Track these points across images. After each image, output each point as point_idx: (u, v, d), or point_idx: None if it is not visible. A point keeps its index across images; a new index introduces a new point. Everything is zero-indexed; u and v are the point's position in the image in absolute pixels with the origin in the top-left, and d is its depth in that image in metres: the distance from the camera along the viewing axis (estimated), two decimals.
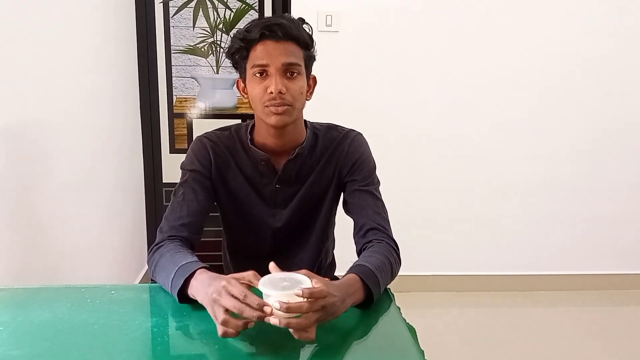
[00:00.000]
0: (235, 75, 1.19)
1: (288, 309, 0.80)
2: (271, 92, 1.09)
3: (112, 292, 1.04)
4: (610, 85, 2.58)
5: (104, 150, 2.06)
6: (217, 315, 0.84)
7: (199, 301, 0.93)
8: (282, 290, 0.83)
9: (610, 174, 2.69)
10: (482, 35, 2.49)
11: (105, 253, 2.10)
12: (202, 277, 0.95)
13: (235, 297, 0.83)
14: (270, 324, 0.82)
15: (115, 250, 2.25)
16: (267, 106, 1.11)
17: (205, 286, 0.91)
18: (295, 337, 0.83)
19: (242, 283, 0.86)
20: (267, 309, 0.81)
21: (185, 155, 1.25)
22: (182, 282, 0.96)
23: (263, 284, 0.86)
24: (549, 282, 2.77)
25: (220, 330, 0.84)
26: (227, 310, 0.83)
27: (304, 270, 0.90)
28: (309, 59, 1.16)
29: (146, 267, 2.58)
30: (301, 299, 0.82)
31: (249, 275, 0.89)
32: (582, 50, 2.53)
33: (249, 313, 0.82)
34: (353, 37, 2.45)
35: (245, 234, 1.29)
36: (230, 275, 0.90)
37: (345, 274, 1.00)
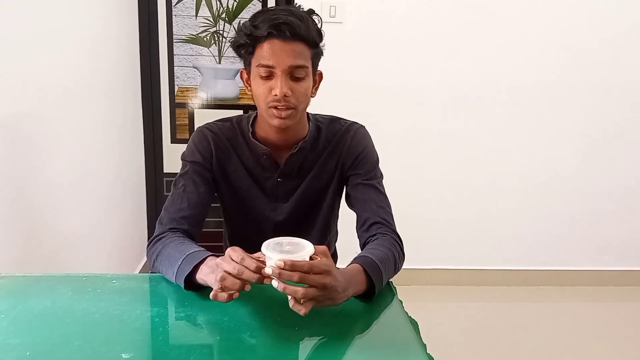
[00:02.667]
0: (238, 65, 1.17)
1: (280, 274, 0.81)
2: (276, 95, 1.07)
3: (114, 281, 1.04)
4: (609, 83, 2.57)
5: (104, 139, 2.05)
6: (217, 276, 0.86)
7: (210, 283, 0.92)
8: (284, 254, 0.84)
9: (609, 171, 2.68)
10: (487, 29, 2.47)
11: (105, 243, 2.09)
12: (212, 262, 0.95)
13: (235, 261, 0.85)
14: (271, 319, 0.82)
15: (116, 240, 2.25)
16: (270, 107, 1.09)
17: (216, 268, 0.91)
18: (290, 304, 0.85)
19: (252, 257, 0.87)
20: (265, 271, 0.83)
21: (186, 145, 1.24)
22: (190, 268, 0.96)
23: (266, 246, 0.87)
24: (549, 277, 2.77)
25: (212, 292, 0.86)
26: (227, 273, 0.85)
27: (322, 247, 0.90)
28: (316, 56, 1.13)
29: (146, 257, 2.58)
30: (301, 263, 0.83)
31: (259, 254, 0.90)
32: (583, 47, 2.51)
33: (248, 274, 0.83)
34: (357, 28, 2.44)
35: (247, 227, 1.28)
36: (232, 247, 0.90)
37: (349, 265, 1.00)
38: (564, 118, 2.60)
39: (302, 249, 0.86)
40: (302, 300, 0.84)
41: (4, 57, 1.29)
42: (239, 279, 0.84)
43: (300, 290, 0.82)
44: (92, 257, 1.92)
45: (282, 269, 0.81)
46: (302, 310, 0.83)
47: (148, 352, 0.85)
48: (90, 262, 1.89)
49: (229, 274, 0.85)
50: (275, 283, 0.83)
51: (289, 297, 0.85)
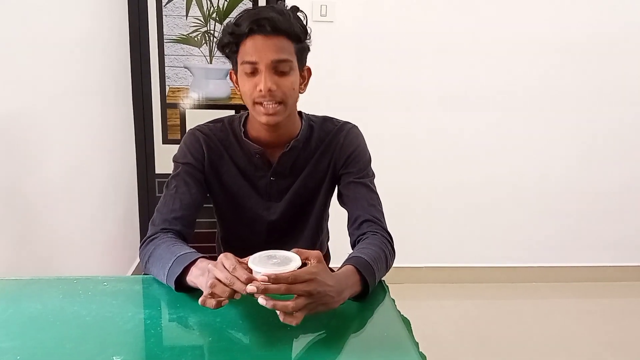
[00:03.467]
0: (229, 65, 1.17)
1: (265, 290, 0.80)
2: (260, 90, 1.07)
3: (105, 283, 1.04)
4: (607, 81, 2.58)
5: (96, 141, 2.04)
6: (207, 282, 0.85)
7: (199, 285, 0.92)
8: (270, 266, 0.83)
9: (604, 168, 2.70)
10: (479, 27, 2.48)
11: (97, 244, 2.08)
12: (203, 264, 0.95)
13: (226, 269, 0.84)
14: (263, 319, 0.82)
15: (108, 241, 2.24)
16: (257, 103, 1.09)
17: (206, 271, 0.91)
18: (280, 319, 0.84)
19: (240, 262, 0.86)
20: (248, 289, 0.81)
21: (177, 146, 1.24)
22: (181, 269, 0.96)
23: (252, 260, 0.86)
24: (542, 274, 2.79)
25: (202, 297, 0.85)
26: (218, 280, 0.84)
27: (316, 252, 0.89)
28: (302, 52, 1.13)
29: (139, 258, 2.57)
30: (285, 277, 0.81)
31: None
32: (578, 47, 2.52)
33: (238, 285, 0.82)
34: (348, 27, 2.44)
35: (240, 227, 1.28)
36: (225, 253, 0.89)
37: (342, 266, 1.00)
38: (561, 116, 2.61)
39: (288, 262, 0.86)
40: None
41: None
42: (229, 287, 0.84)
43: (290, 304, 0.82)
44: (85, 258, 1.91)
45: (266, 283, 0.81)
46: (293, 322, 0.83)
47: (140, 354, 0.84)
48: (83, 264, 1.88)
49: (220, 281, 0.84)
50: (263, 301, 0.82)
51: (278, 311, 0.84)
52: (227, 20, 2.49)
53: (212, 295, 0.85)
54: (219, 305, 0.85)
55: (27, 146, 1.46)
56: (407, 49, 2.48)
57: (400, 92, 2.53)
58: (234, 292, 0.83)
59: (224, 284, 0.83)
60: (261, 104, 1.09)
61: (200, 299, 0.85)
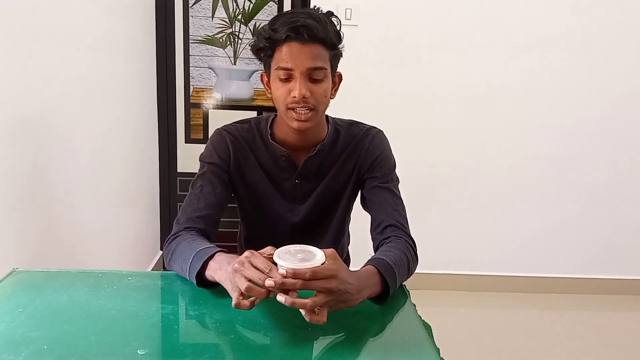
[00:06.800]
0: (253, 67, 1.18)
1: (283, 284, 0.80)
2: (294, 96, 1.07)
3: (129, 278, 1.05)
4: (631, 89, 2.54)
5: (120, 138, 2.08)
6: (239, 284, 0.84)
7: (217, 279, 0.93)
8: (297, 262, 0.84)
9: (628, 179, 2.65)
10: (503, 30, 2.46)
11: (119, 240, 2.12)
12: (220, 258, 0.96)
13: (259, 269, 0.83)
14: (284, 319, 0.83)
15: (129, 237, 2.27)
16: (289, 109, 1.10)
17: (225, 265, 0.91)
18: (307, 319, 0.83)
19: (265, 257, 0.86)
20: (267, 283, 0.81)
21: (201, 145, 1.25)
22: (200, 264, 0.97)
23: (278, 255, 0.86)
24: (562, 284, 2.74)
25: (235, 300, 0.85)
26: (249, 281, 0.83)
27: (329, 250, 0.89)
28: (335, 58, 1.13)
29: (159, 254, 2.60)
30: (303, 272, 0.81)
31: (267, 250, 0.89)
32: (602, 54, 2.49)
33: (271, 283, 0.81)
34: (372, 31, 2.44)
35: (263, 228, 1.29)
36: (250, 250, 0.89)
37: (363, 266, 1.00)
38: (584, 125, 2.57)
39: (312, 258, 0.86)
40: (315, 310, 0.83)
41: (25, 57, 1.31)
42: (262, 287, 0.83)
43: (308, 301, 0.81)
44: (106, 254, 1.95)
45: (285, 277, 0.80)
46: (320, 320, 0.83)
47: (163, 348, 0.86)
48: (104, 259, 1.91)
49: (254, 282, 0.83)
50: (282, 298, 0.81)
51: (302, 312, 0.84)
52: (254, 21, 2.52)
53: (243, 295, 0.84)
54: (252, 305, 0.85)
55: (52, 143, 1.49)
56: (430, 51, 2.47)
57: (423, 97, 2.52)
58: (269, 291, 0.83)
59: (258, 285, 0.83)
60: (294, 109, 1.09)
61: (233, 303, 0.85)
